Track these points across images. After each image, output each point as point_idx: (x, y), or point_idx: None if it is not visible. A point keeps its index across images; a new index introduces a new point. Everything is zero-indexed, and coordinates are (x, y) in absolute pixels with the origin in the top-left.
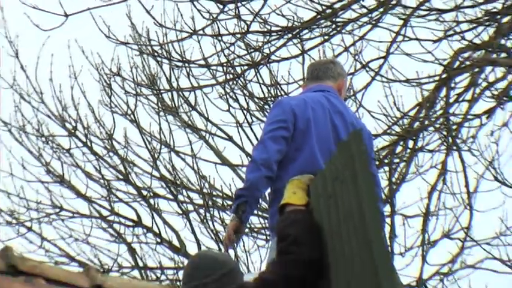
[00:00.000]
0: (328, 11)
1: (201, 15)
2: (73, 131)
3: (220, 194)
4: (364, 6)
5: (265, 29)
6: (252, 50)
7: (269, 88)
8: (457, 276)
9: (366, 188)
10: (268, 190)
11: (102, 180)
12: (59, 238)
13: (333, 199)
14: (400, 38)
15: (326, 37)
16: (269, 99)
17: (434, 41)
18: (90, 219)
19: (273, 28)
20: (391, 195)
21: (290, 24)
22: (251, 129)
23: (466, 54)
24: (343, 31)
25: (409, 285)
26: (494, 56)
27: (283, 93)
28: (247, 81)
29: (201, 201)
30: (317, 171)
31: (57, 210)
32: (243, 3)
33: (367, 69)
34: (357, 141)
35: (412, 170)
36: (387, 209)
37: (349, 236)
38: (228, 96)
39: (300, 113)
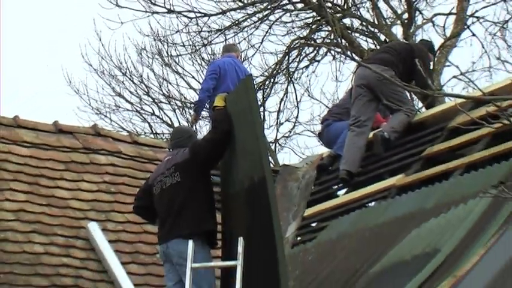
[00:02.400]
0: (236, 22)
1: (178, 20)
2: (124, 72)
3: (189, 102)
4: (251, 20)
5: (208, 30)
6: (203, 39)
7: (210, 56)
8: (291, 138)
9: (254, 101)
10: (208, 100)
11: (137, 95)
12: (118, 120)
13: (237, 105)
14: (268, 33)
15: (235, 33)
16: (209, 61)
17: (283, 35)
18: (132, 112)
19: (212, 29)
20: (263, 103)
21: (219, 28)
22: (202, 74)
23: (296, 41)
24: (243, 30)
25: (270, 142)
26: (309, 42)
27: (216, 58)
28: (200, 52)
29: (180, 104)
30: (229, 92)
31: (118, 107)
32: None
33: (254, 48)
34: (249, 79)
35: (272, 92)
36: (262, 109)
37: (243, 123)
38: (192, 59)
39: (221, 66)
